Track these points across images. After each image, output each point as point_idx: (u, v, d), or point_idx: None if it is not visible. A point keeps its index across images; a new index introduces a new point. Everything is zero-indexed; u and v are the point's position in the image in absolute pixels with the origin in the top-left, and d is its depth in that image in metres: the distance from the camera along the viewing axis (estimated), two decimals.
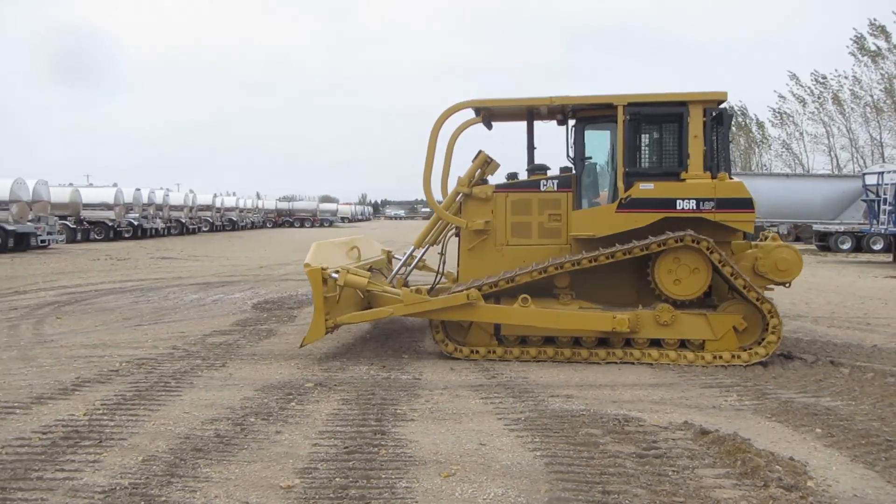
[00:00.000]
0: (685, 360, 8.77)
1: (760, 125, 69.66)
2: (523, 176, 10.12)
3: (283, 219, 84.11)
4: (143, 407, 6.69)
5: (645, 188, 9.13)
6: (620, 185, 9.23)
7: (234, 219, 65.68)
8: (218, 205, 62.03)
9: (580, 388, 7.64)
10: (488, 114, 10.11)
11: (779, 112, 64.19)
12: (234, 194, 71.89)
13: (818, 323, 12.20)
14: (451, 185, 9.94)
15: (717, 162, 9.45)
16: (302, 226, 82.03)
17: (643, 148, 9.57)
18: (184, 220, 52.27)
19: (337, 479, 4.94)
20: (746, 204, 9.16)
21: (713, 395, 7.31)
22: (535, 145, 10.42)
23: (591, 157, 9.78)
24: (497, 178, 10.24)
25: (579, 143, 9.61)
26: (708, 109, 9.28)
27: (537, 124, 10.48)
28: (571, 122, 9.98)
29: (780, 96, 63.65)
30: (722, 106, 9.43)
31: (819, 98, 58.57)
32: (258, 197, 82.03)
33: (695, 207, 9.04)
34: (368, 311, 9.10)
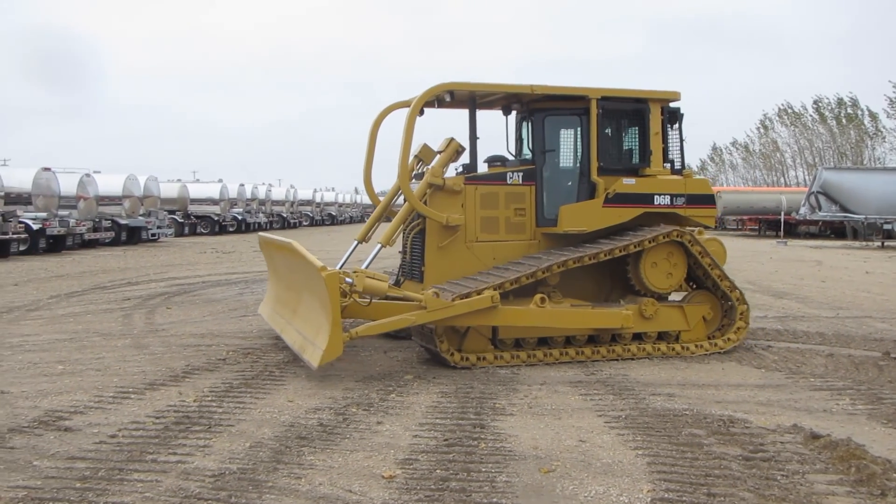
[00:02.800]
0: (673, 352, 8.91)
1: (874, 116, 66.21)
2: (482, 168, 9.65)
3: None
4: (250, 395, 6.92)
5: (628, 183, 9.29)
6: (597, 179, 9.24)
7: (334, 213, 67.07)
8: (318, 200, 63.48)
9: (682, 386, 7.46)
10: (452, 99, 9.59)
11: (894, 101, 60.80)
12: (333, 189, 73.39)
13: None
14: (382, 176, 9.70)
15: (681, 159, 9.87)
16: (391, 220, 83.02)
17: (611, 142, 9.68)
18: (285, 215, 53.72)
19: (437, 471, 4.98)
20: (710, 200, 9.88)
21: (823, 398, 7.00)
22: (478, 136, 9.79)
23: (553, 150, 9.52)
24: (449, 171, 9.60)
25: (540, 136, 9.41)
26: (664, 108, 9.62)
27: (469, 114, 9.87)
28: (516, 115, 10.08)
29: (895, 86, 60.31)
30: (675, 105, 9.75)
31: None
32: (356, 192, 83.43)
33: (669, 203, 9.44)
34: (388, 320, 7.83)
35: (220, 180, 44.20)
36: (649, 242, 8.81)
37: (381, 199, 10.14)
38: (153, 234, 32.15)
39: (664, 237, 8.87)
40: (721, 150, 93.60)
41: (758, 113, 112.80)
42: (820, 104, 73.55)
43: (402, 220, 9.13)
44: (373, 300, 7.80)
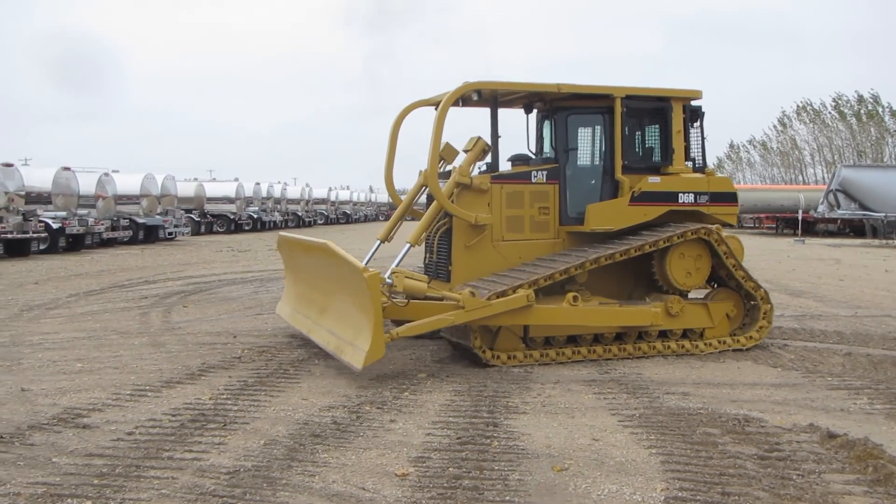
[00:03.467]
0: (698, 349, 8.97)
1: (895, 113, 65.50)
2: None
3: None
4: (264, 393, 6.96)
5: (653, 181, 9.34)
6: (621, 177, 9.28)
7: (348, 212, 67.26)
8: (332, 198, 63.69)
9: (697, 385, 7.43)
10: (479, 98, 9.39)
11: None
12: (347, 188, 73.59)
13: None
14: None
15: (703, 157, 9.94)
16: (412, 219, 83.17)
17: (634, 141, 9.79)
18: (300, 214, 53.94)
19: (450, 469, 4.99)
20: (733, 198, 9.89)
21: (840, 398, 6.95)
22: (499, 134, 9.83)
23: (576, 148, 9.57)
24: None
25: (564, 134, 9.43)
26: (686, 107, 9.69)
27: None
28: (537, 113, 10.12)
29: None
30: (696, 104, 9.84)
31: None
32: (371, 190, 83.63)
33: (693, 201, 9.49)
34: (428, 320, 7.76)
35: (236, 179, 44.44)
36: (677, 239, 8.85)
37: (402, 198, 10.13)
38: (170, 233, 32.37)
39: (692, 234, 8.91)
40: (738, 148, 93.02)
41: (776, 110, 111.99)
42: (839, 101, 72.93)
43: (431, 219, 9.02)
44: (410, 300, 7.80)
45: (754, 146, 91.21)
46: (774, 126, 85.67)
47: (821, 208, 38.78)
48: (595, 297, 8.75)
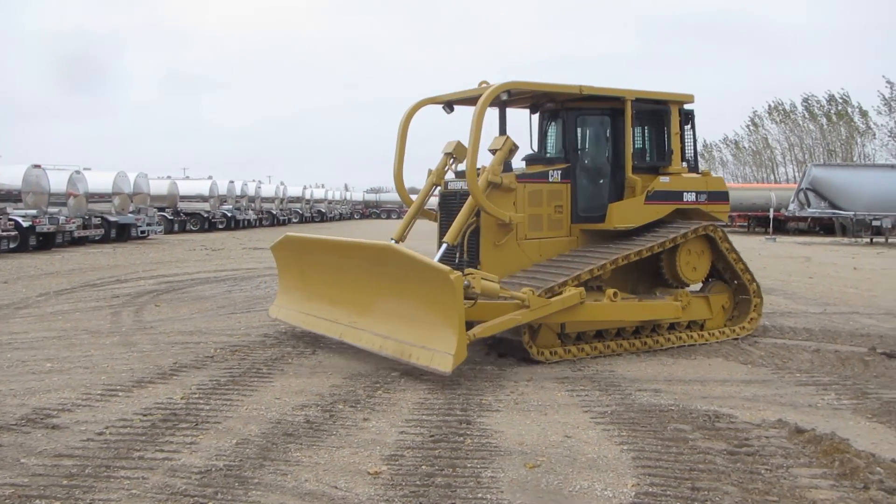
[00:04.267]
0: (702, 339, 9.51)
1: (864, 113, 66.44)
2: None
3: (371, 210, 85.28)
4: (237, 392, 6.92)
5: (664, 181, 9.85)
6: (632, 177, 9.62)
7: (323, 210, 67.00)
8: (307, 196, 63.40)
9: (668, 382, 7.50)
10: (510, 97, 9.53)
11: (888, 99, 60.94)
12: (322, 186, 73.31)
13: None
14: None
15: (695, 157, 10.51)
16: (388, 217, 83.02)
17: (643, 142, 10.22)
18: (275, 212, 53.62)
19: (423, 467, 5.00)
20: (726, 197, 10.57)
21: (809, 394, 7.05)
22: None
23: (588, 149, 9.91)
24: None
25: (575, 134, 9.77)
26: (681, 110, 10.18)
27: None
28: (541, 113, 10.38)
29: (889, 82, 60.47)
30: (689, 107, 10.33)
31: None
32: (346, 189, 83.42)
33: (695, 199, 10.08)
34: (499, 320, 7.73)
35: (210, 177, 44.10)
36: (692, 235, 9.42)
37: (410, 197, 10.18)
38: (143, 232, 32.03)
39: (703, 230, 9.51)
40: (711, 147, 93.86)
41: (748, 110, 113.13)
42: (810, 101, 73.83)
43: (467, 217, 8.89)
44: (476, 300, 7.69)
45: (727, 145, 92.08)
46: (746, 125, 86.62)
47: (791, 207, 39.26)
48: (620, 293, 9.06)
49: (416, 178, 10.07)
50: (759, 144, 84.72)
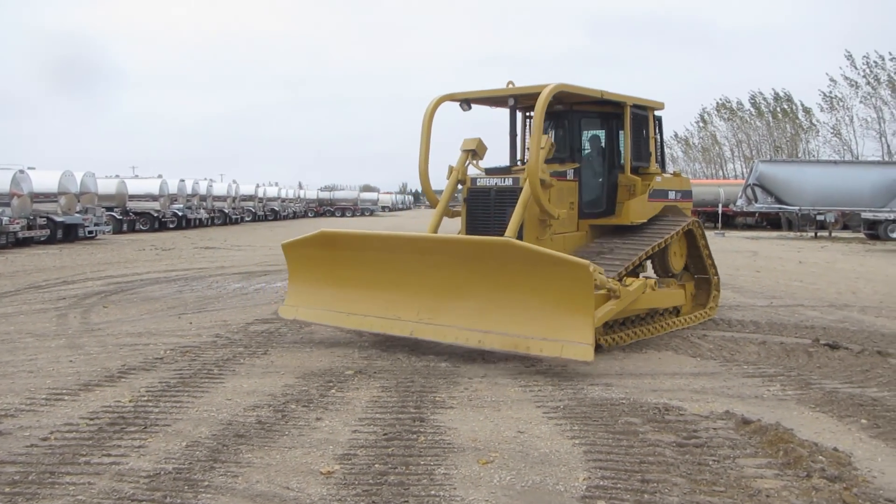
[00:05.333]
0: (684, 323, 10.33)
1: (808, 111, 68.13)
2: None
3: (325, 208, 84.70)
4: (187, 394, 6.82)
5: (659, 181, 10.91)
6: (632, 177, 10.61)
7: (277, 209, 66.35)
8: (260, 195, 62.69)
9: (620, 376, 7.59)
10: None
11: (829, 97, 62.58)
12: (276, 184, 72.58)
13: (865, 312, 11.95)
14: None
15: (662, 159, 11.53)
16: (343, 215, 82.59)
17: (638, 144, 11.06)
18: (227, 211, 52.92)
19: (376, 466, 4.99)
20: (691, 195, 11.95)
21: (755, 385, 7.21)
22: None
23: (590, 150, 10.78)
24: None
25: (581, 137, 10.67)
26: (654, 115, 11.19)
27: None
28: (525, 114, 11.02)
29: (832, 80, 62.06)
30: (659, 113, 11.35)
31: (876, 79, 56.73)
32: (300, 187, 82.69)
33: (675, 197, 11.25)
34: (604, 310, 8.13)
35: (160, 176, 43.33)
36: (687, 228, 10.55)
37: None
38: (90, 232, 31.34)
39: (689, 225, 10.64)
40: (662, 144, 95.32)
41: (697, 107, 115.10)
42: (756, 99, 75.42)
43: (523, 213, 9.12)
44: None
45: (677, 142, 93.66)
46: (696, 122, 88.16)
47: (739, 202, 40.06)
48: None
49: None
50: (708, 141, 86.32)
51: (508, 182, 9.71)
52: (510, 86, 10.17)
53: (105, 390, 6.95)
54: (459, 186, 10.22)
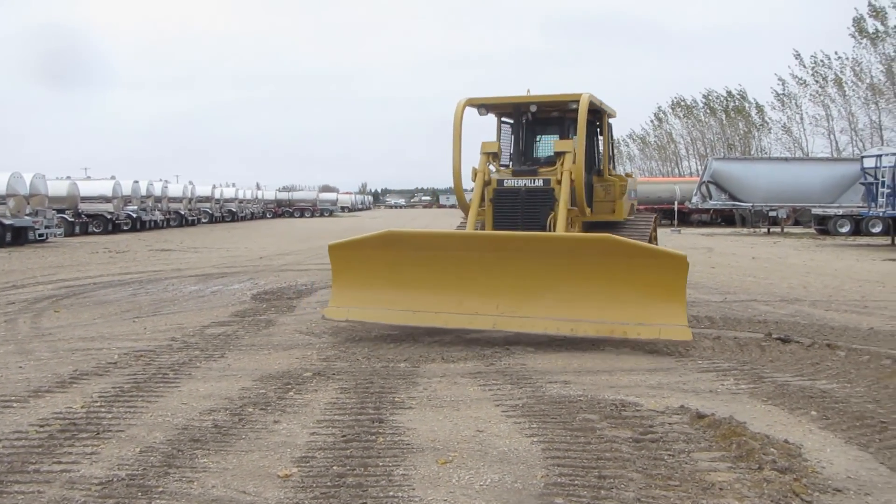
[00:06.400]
0: None
1: (760, 109, 69.44)
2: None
3: (283, 209, 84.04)
4: (141, 399, 6.70)
5: (631, 181, 12.12)
6: (611, 177, 11.85)
7: (234, 210, 65.65)
8: (217, 196, 61.97)
9: (578, 373, 7.65)
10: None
11: (780, 95, 63.87)
12: (233, 185, 71.73)
13: (816, 306, 12.22)
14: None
15: (614, 162, 12.66)
16: (302, 216, 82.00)
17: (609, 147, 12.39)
18: (183, 212, 52.21)
19: (334, 468, 4.96)
20: (636, 194, 13.16)
21: (710, 380, 7.32)
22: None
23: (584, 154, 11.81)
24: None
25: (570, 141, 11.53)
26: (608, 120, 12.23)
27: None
28: (526, 123, 11.93)
29: (780, 79, 63.32)
30: (612, 119, 12.45)
31: (823, 78, 58.01)
32: (258, 187, 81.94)
33: (634, 196, 12.69)
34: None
35: (113, 177, 42.61)
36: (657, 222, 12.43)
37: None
38: (41, 235, 30.68)
39: (656, 220, 12.36)
40: (619, 142, 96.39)
41: (651, 106, 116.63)
42: (710, 97, 76.61)
43: (567, 212, 10.31)
44: None
45: (634, 140, 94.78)
46: (651, 120, 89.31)
47: (694, 199, 40.73)
48: None
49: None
50: (664, 139, 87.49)
51: (539, 183, 10.50)
52: (529, 92, 11.42)
53: (56, 396, 6.80)
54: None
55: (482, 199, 10.77)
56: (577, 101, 10.73)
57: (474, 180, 10.91)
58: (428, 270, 9.19)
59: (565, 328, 8.62)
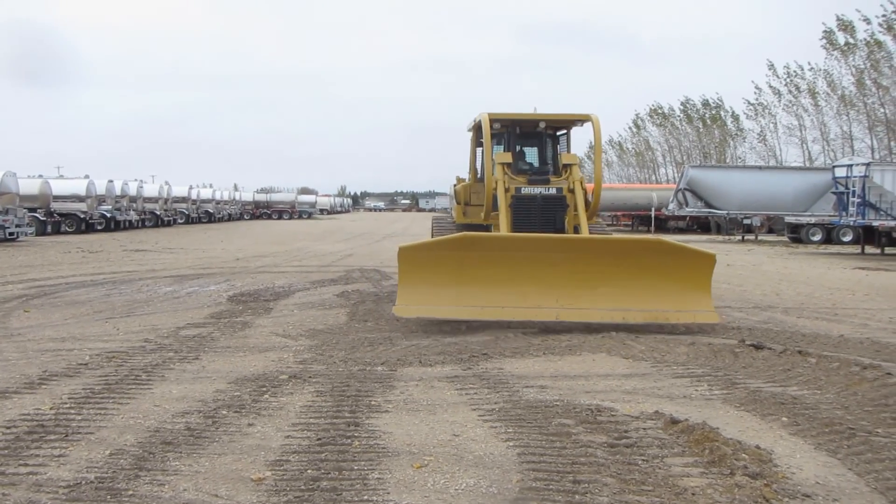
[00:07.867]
0: None
1: (735, 118, 70.16)
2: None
3: (261, 211, 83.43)
4: (112, 400, 6.61)
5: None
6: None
7: (211, 211, 65.10)
8: (194, 196, 61.41)
9: (554, 378, 7.66)
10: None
11: (752, 104, 64.56)
12: (210, 186, 71.17)
13: (788, 313, 12.34)
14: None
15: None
16: (280, 218, 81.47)
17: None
18: (159, 213, 51.69)
19: (309, 472, 4.92)
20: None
21: (684, 385, 7.37)
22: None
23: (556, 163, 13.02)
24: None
25: (554, 151, 13.01)
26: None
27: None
28: (518, 136, 13.00)
29: (757, 87, 63.99)
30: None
31: (797, 88, 58.67)
32: (235, 189, 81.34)
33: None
34: None
35: (87, 176, 42.09)
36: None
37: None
38: (11, 234, 30.21)
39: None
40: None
41: (629, 113, 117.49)
42: (687, 105, 77.28)
43: (586, 217, 11.79)
44: None
45: (612, 147, 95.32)
46: (629, 128, 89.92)
47: (671, 206, 41.02)
48: None
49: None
50: (642, 146, 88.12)
51: (553, 191, 11.83)
52: (535, 110, 12.73)
53: (24, 397, 6.70)
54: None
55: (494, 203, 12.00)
56: (583, 120, 12.50)
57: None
58: (495, 269, 10.07)
59: (618, 317, 9.98)
